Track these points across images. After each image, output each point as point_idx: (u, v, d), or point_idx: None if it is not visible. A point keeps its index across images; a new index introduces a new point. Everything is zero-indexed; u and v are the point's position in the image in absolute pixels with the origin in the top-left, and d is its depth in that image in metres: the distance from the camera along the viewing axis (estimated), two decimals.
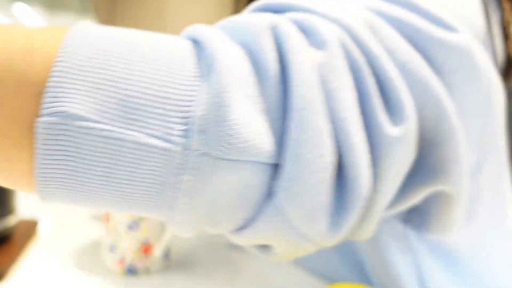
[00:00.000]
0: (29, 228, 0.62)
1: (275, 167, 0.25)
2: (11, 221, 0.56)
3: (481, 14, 0.35)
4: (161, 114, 0.23)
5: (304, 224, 0.25)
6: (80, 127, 0.22)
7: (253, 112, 0.24)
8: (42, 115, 0.22)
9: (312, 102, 0.24)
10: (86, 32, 0.24)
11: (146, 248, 0.51)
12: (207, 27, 0.26)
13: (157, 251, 0.52)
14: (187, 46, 0.25)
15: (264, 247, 0.29)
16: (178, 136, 0.23)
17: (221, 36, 0.25)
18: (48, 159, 0.23)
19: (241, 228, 0.27)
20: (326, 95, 0.25)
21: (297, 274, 0.56)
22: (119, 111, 0.23)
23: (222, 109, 0.23)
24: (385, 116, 0.26)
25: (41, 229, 0.66)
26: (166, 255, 0.54)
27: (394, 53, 0.28)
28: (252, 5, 0.30)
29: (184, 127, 0.23)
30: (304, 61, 0.24)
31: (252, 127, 0.23)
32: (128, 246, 0.51)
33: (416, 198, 0.32)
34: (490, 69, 0.33)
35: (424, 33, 0.29)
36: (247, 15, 0.26)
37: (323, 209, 0.25)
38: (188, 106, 0.23)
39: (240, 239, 0.27)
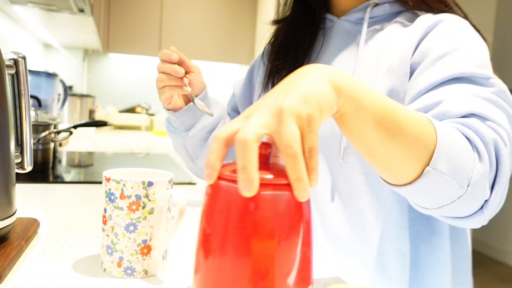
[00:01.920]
0: (29, 228, 0.62)
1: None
2: (10, 221, 0.57)
3: None
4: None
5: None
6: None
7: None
8: (435, 168, 0.48)
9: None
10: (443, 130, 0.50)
11: (144, 250, 0.52)
12: (443, 123, 0.52)
13: (155, 253, 0.52)
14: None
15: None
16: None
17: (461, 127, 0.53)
18: None
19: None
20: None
21: None
22: (449, 165, 0.49)
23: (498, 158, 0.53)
24: None
25: (41, 229, 0.67)
26: (164, 256, 0.54)
27: None
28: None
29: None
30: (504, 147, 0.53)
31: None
32: (126, 247, 0.51)
33: None
34: None
35: None
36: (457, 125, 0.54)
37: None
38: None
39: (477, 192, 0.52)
